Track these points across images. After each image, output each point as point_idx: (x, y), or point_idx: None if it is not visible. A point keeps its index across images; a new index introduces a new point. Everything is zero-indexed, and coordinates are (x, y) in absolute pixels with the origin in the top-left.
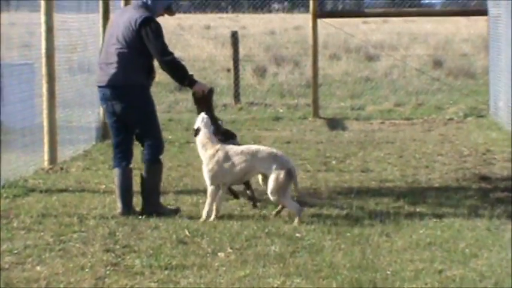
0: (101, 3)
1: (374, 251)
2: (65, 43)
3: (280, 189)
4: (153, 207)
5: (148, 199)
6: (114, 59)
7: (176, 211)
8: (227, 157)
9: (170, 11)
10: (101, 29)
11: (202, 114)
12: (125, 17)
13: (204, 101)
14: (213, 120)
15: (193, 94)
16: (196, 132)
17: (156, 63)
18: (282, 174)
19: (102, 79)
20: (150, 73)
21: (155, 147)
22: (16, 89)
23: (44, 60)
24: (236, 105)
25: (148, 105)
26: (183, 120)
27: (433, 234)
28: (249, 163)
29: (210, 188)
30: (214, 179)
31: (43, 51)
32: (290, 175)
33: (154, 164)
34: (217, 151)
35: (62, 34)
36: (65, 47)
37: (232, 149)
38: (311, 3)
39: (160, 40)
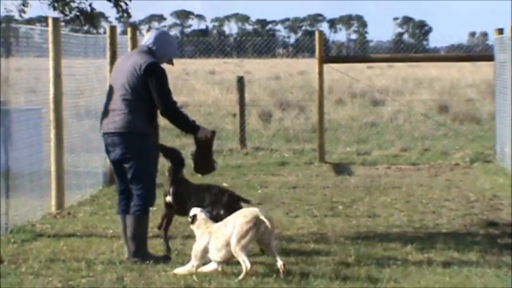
0: (108, 48)
1: None
2: (71, 88)
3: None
4: (141, 257)
5: (135, 250)
6: (118, 105)
7: (165, 259)
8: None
9: (171, 62)
10: (107, 74)
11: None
12: (129, 62)
13: (206, 145)
14: (211, 162)
15: (196, 139)
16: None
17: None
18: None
19: (106, 126)
20: (153, 120)
21: (145, 199)
22: (24, 134)
23: (51, 105)
24: (242, 150)
25: (144, 153)
26: (189, 165)
27: (441, 280)
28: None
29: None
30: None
31: (51, 96)
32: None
33: (142, 215)
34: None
35: (69, 79)
36: (72, 92)
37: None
38: (317, 48)
39: (164, 88)
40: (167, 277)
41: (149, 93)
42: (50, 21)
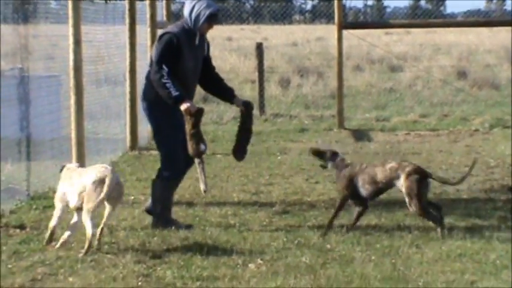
0: (127, 15)
1: (404, 263)
2: (91, 55)
3: None
4: (160, 222)
5: (155, 213)
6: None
7: (188, 227)
8: None
9: (210, 25)
10: (127, 40)
11: None
12: None
13: (192, 121)
14: (198, 141)
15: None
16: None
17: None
18: None
19: None
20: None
21: (162, 165)
22: (44, 101)
23: (71, 72)
24: (261, 117)
25: (156, 120)
26: (208, 132)
27: (463, 246)
28: None
29: None
30: None
31: (71, 63)
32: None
33: (159, 180)
34: None
35: (88, 46)
36: (91, 59)
37: None
38: (336, 14)
39: (157, 56)
40: (189, 243)
41: None
42: None
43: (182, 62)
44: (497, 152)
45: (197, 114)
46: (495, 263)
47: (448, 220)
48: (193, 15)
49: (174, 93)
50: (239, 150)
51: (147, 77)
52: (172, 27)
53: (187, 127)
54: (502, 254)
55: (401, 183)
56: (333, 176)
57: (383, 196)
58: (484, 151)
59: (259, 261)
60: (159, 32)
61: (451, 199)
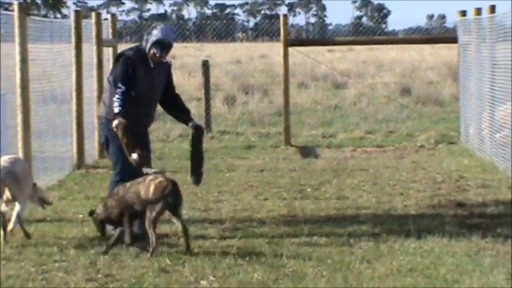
0: (73, 33)
1: (356, 278)
2: (37, 73)
3: None
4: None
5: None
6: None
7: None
8: None
9: (158, 51)
10: (73, 59)
11: None
12: None
13: (120, 134)
14: (130, 152)
15: None
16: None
17: None
18: None
19: None
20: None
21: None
22: None
23: (18, 90)
24: (208, 134)
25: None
26: (155, 149)
27: (413, 261)
28: None
29: None
30: None
31: (17, 81)
32: None
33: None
34: None
35: (33, 64)
36: (37, 77)
37: None
38: (282, 31)
39: (114, 75)
40: (140, 260)
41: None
42: (16, 6)
43: (137, 82)
44: (443, 168)
45: (123, 130)
46: (446, 278)
47: (397, 235)
48: (146, 39)
49: (116, 109)
50: (195, 175)
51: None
52: (128, 50)
53: (122, 141)
54: (452, 268)
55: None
56: (282, 193)
57: (331, 212)
58: (431, 167)
59: (211, 277)
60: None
61: (399, 214)
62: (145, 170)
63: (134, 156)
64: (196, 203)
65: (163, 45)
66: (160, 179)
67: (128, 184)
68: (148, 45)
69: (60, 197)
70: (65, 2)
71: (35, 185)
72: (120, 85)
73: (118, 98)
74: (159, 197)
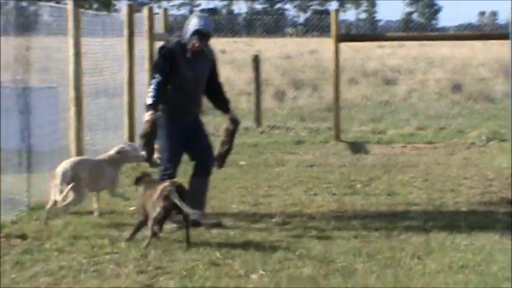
0: (125, 27)
1: (407, 274)
2: (89, 67)
3: None
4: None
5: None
6: None
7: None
8: None
9: (199, 40)
10: (125, 52)
11: None
12: None
13: (146, 128)
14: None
15: None
16: None
17: None
18: None
19: None
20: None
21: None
22: (43, 112)
23: (71, 84)
24: (257, 129)
25: (161, 129)
26: None
27: (464, 258)
28: None
29: None
30: None
31: (71, 75)
32: None
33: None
34: None
35: (85, 57)
36: (89, 71)
37: None
38: (333, 27)
39: (153, 66)
40: (191, 253)
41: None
42: (70, 1)
43: (179, 72)
44: (494, 165)
45: (152, 125)
46: (497, 275)
47: (448, 232)
48: (185, 29)
49: (149, 100)
50: (220, 160)
51: None
52: (168, 41)
53: (142, 130)
54: (503, 266)
55: None
56: (331, 189)
57: (381, 208)
58: (482, 164)
59: (261, 271)
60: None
61: (450, 211)
62: None
63: (143, 153)
64: (246, 197)
65: (202, 35)
66: (165, 183)
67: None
68: (188, 35)
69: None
70: (115, 5)
71: None
72: (155, 75)
73: (152, 89)
74: (162, 199)
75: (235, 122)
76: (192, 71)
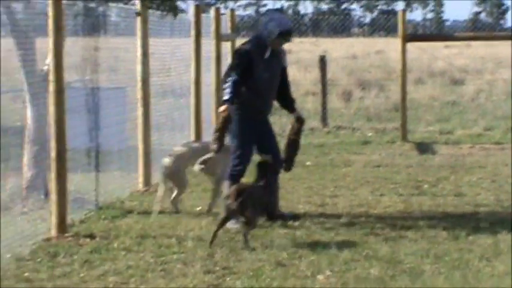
0: (192, 27)
1: (475, 276)
2: (157, 67)
3: None
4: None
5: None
6: None
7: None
8: None
9: (283, 38)
10: (192, 53)
11: None
12: None
13: (220, 122)
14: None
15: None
16: None
17: None
18: None
19: None
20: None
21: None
22: (111, 112)
23: (139, 84)
24: (324, 129)
25: (234, 128)
26: None
27: None
28: None
29: None
30: None
31: (138, 75)
32: None
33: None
34: None
35: (152, 58)
36: (156, 71)
37: None
38: (400, 27)
39: (229, 66)
40: (257, 254)
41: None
42: (138, 2)
43: (256, 74)
44: None
45: (226, 119)
46: None
47: None
48: (266, 30)
49: (226, 96)
50: (289, 161)
51: None
52: (246, 43)
53: (216, 125)
54: None
55: None
56: (398, 189)
57: (449, 209)
58: None
59: (327, 272)
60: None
61: None
62: None
63: (214, 146)
64: (312, 197)
65: (289, 35)
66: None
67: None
68: (273, 36)
69: None
70: (182, 10)
71: None
72: (231, 74)
73: (229, 86)
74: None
75: (300, 120)
76: (268, 72)
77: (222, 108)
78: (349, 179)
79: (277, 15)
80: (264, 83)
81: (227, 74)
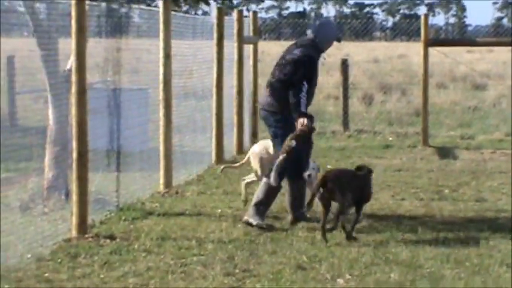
0: (215, 30)
1: (495, 282)
2: (178, 69)
3: None
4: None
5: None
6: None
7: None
8: None
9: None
10: (214, 55)
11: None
12: (289, 53)
13: (299, 134)
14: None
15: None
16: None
17: None
18: None
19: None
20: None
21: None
22: (133, 113)
23: (161, 85)
24: (345, 133)
25: (275, 129)
26: None
27: None
28: None
29: None
30: None
31: (160, 76)
32: None
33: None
34: None
35: (174, 60)
36: (178, 73)
37: None
38: (422, 31)
39: (301, 75)
40: (277, 257)
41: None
42: (161, 3)
43: (314, 79)
44: None
45: (310, 131)
46: None
47: None
48: (324, 36)
49: (303, 109)
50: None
51: (276, 89)
52: (308, 49)
53: (294, 134)
54: None
55: None
56: (419, 194)
57: (469, 214)
58: None
59: (347, 276)
60: (299, 52)
61: None
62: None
63: (293, 143)
64: None
65: (340, 40)
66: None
67: None
68: (330, 43)
69: (199, 192)
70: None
71: None
72: (304, 83)
73: (303, 96)
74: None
75: (310, 117)
76: (317, 76)
77: (303, 121)
78: None
79: (332, 23)
80: (314, 86)
81: (300, 81)
